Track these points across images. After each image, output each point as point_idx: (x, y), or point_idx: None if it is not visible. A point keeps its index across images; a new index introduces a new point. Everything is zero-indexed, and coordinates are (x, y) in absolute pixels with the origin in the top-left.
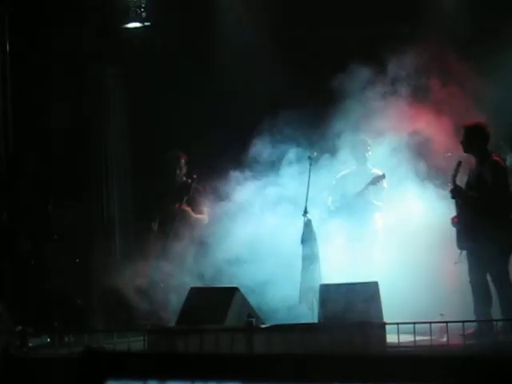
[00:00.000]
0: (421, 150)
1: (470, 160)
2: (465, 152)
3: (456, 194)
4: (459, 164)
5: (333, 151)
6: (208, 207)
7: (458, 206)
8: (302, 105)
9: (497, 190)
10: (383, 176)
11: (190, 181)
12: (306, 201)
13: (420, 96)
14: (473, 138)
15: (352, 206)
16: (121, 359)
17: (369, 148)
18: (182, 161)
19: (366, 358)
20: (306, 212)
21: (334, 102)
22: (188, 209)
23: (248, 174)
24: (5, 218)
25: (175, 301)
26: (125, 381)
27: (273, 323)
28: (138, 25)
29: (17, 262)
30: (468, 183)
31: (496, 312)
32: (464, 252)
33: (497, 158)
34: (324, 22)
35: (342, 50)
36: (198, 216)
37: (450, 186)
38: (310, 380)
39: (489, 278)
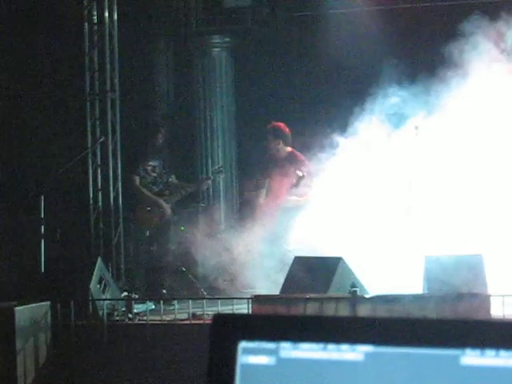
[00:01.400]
0: None
1: None
2: None
3: None
4: None
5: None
6: (311, 186)
7: None
8: (405, 76)
9: None
10: None
11: (299, 174)
12: (411, 173)
13: None
14: None
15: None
16: (254, 321)
17: None
18: (282, 133)
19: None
20: (410, 182)
21: (441, 73)
22: (291, 198)
23: (352, 143)
24: None
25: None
26: (258, 342)
27: (377, 293)
28: None
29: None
30: None
31: None
32: None
33: None
34: None
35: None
36: (301, 199)
37: None
38: (445, 343)
39: None
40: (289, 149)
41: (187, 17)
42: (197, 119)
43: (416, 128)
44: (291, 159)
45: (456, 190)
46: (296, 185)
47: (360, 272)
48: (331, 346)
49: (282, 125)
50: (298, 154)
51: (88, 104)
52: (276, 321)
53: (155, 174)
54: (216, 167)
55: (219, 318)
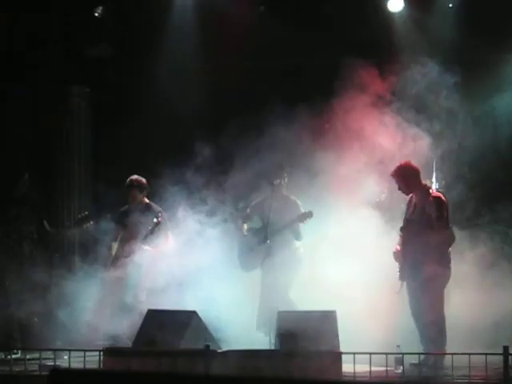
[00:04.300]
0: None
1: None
2: (406, 194)
3: (405, 229)
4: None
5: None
6: (168, 238)
7: (402, 240)
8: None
9: (442, 225)
10: (311, 215)
11: (155, 220)
12: (267, 227)
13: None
14: (407, 179)
15: (278, 236)
16: (87, 376)
17: (285, 174)
18: (136, 189)
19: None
20: (266, 239)
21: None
22: (146, 247)
23: (208, 200)
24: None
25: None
26: None
27: (230, 348)
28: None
29: None
30: (412, 218)
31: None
32: (405, 284)
33: (438, 194)
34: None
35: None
36: (155, 250)
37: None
38: None
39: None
40: (146, 200)
41: (47, 65)
42: (55, 167)
43: (272, 184)
44: (148, 210)
45: (311, 245)
46: (151, 231)
47: (214, 326)
48: None
49: (142, 179)
50: (154, 205)
51: None
52: (111, 376)
53: (19, 222)
54: (82, 214)
55: (55, 373)
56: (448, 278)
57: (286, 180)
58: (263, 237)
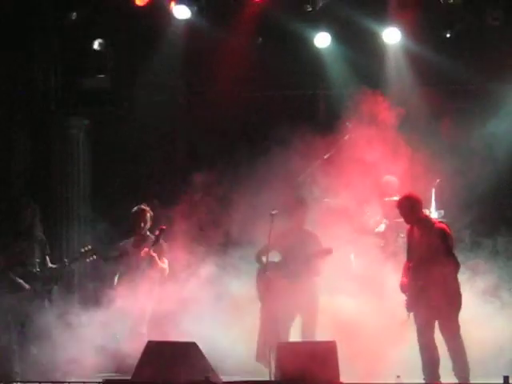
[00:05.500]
0: None
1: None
2: (409, 224)
3: (412, 262)
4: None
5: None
6: (168, 260)
7: (409, 273)
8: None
9: (448, 256)
10: (330, 251)
11: (157, 232)
12: (267, 258)
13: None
14: (408, 211)
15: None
16: None
17: (306, 209)
18: (148, 215)
19: None
20: (266, 269)
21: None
22: (155, 254)
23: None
24: None
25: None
26: None
27: (229, 379)
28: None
29: None
30: (418, 252)
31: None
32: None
33: (442, 225)
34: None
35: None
36: (162, 264)
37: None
38: None
39: (442, 337)
40: (149, 233)
41: (46, 97)
42: (54, 200)
43: (271, 215)
44: (157, 236)
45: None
46: (157, 238)
47: (214, 357)
48: None
49: (146, 209)
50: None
51: None
52: None
53: (23, 257)
54: (86, 248)
55: None
56: (461, 304)
57: (307, 214)
58: (264, 269)
